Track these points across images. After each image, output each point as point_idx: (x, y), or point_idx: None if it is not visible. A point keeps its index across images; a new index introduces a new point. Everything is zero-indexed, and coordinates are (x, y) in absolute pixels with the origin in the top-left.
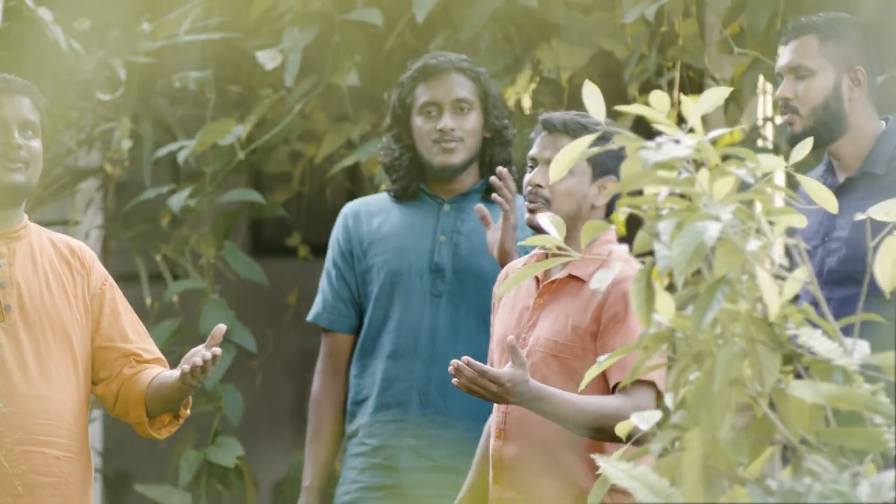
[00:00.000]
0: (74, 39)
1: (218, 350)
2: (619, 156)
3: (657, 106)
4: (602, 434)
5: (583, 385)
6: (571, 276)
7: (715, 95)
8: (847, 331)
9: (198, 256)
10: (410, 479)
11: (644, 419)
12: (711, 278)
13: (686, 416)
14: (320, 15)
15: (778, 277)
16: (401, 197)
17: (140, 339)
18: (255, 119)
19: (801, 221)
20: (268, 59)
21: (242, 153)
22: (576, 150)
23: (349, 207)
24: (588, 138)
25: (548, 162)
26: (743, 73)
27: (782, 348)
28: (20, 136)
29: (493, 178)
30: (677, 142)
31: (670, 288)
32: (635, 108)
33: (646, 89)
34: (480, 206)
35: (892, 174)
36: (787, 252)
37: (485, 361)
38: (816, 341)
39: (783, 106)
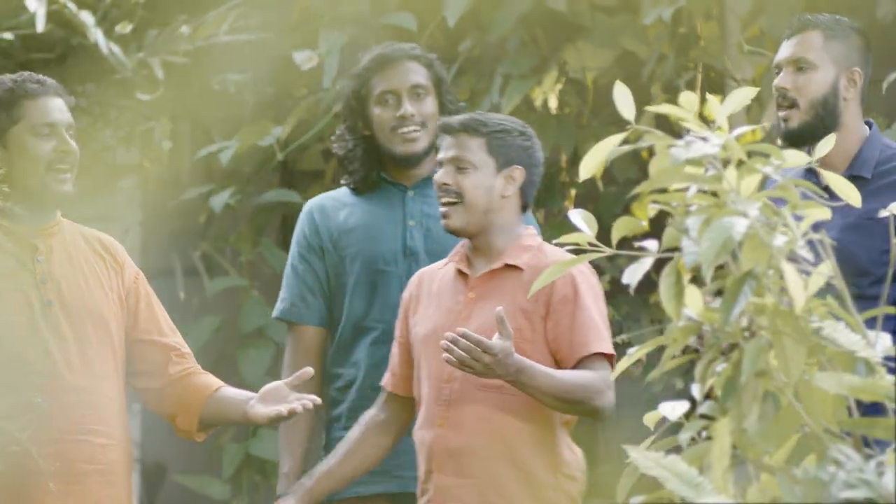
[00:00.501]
0: (114, 42)
1: (318, 399)
2: (521, 146)
3: (685, 106)
4: (574, 407)
5: (615, 374)
6: (507, 266)
7: (742, 95)
8: None
9: (236, 253)
10: (402, 460)
11: (672, 410)
12: (738, 272)
13: (713, 406)
14: (354, 17)
15: (803, 272)
16: (360, 188)
17: (172, 332)
18: (294, 121)
19: (825, 215)
20: (304, 60)
21: (281, 154)
22: (604, 150)
23: (313, 203)
24: (616, 137)
25: (451, 161)
26: (763, 73)
27: (807, 340)
28: (70, 140)
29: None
30: (705, 140)
31: (693, 281)
32: (665, 108)
33: (668, 89)
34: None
35: (880, 178)
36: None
37: None
38: (840, 334)
39: (781, 97)
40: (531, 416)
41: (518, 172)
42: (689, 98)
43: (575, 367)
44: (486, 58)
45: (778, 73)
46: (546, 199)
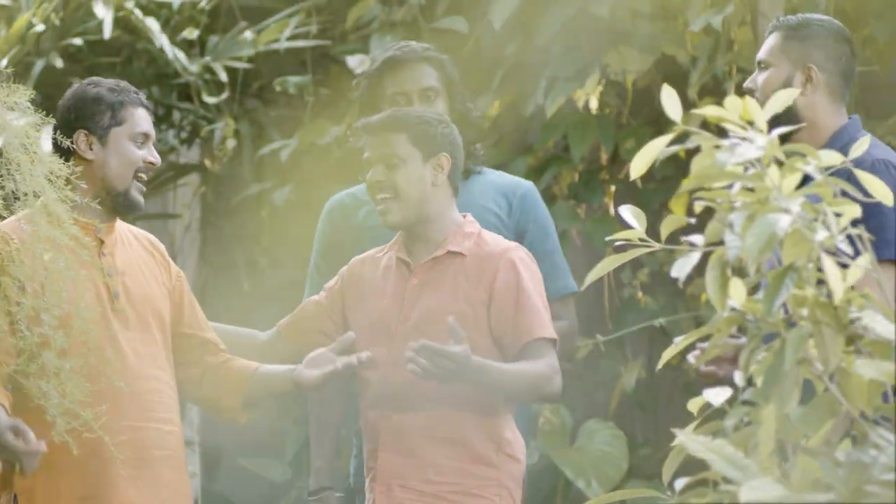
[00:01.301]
0: (177, 47)
1: (369, 353)
2: (442, 134)
3: (730, 109)
4: (527, 397)
5: (661, 364)
6: (450, 252)
7: (784, 98)
8: None
9: (296, 246)
10: None
11: (716, 396)
12: (780, 266)
13: (755, 392)
14: (405, 23)
15: (842, 265)
16: None
17: (209, 329)
18: (350, 121)
19: (856, 212)
20: (357, 63)
21: (339, 152)
22: (654, 150)
23: (333, 201)
24: (665, 138)
25: (380, 159)
26: None
27: (845, 330)
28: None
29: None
30: (750, 141)
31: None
32: (711, 110)
33: (703, 92)
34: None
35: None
36: None
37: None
38: (877, 323)
39: (749, 96)
40: (475, 398)
41: (445, 160)
42: (734, 101)
43: (519, 352)
44: (531, 61)
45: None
46: (587, 195)
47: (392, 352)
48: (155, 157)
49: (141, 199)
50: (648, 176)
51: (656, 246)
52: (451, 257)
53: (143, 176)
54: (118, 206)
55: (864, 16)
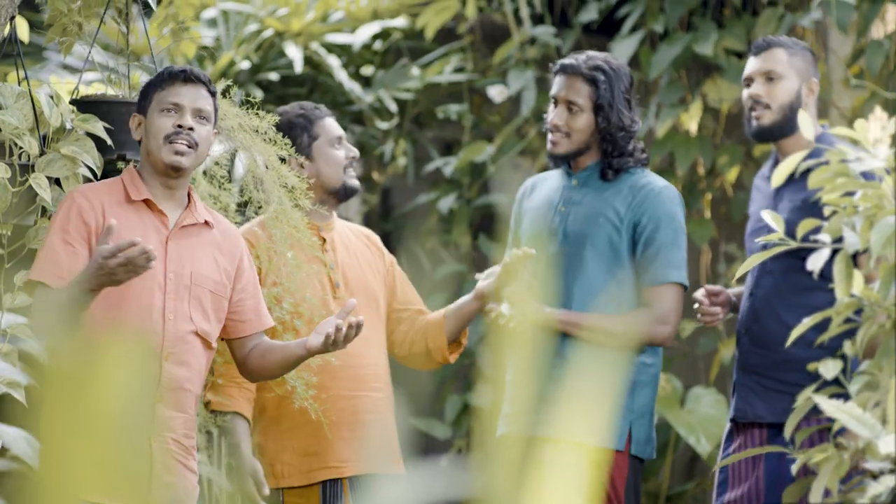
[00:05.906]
0: (354, 81)
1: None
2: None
3: (860, 131)
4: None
5: (790, 342)
6: (206, 223)
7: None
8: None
9: (456, 246)
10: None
11: (828, 369)
12: (893, 261)
13: (871, 364)
14: (535, 60)
15: None
16: (559, 168)
17: (419, 301)
18: (500, 143)
19: None
20: (497, 94)
21: (493, 167)
22: (792, 163)
23: (528, 180)
24: (800, 154)
25: (194, 112)
26: (863, 103)
27: None
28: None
29: None
30: (873, 156)
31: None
32: (842, 131)
33: None
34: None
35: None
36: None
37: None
38: None
39: (754, 103)
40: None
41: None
42: (861, 124)
43: (258, 334)
44: (644, 90)
45: (748, 86)
46: (689, 202)
47: (167, 302)
48: (354, 151)
49: (356, 182)
50: (739, 184)
51: (793, 244)
52: (205, 227)
53: (351, 168)
54: (340, 198)
55: None
